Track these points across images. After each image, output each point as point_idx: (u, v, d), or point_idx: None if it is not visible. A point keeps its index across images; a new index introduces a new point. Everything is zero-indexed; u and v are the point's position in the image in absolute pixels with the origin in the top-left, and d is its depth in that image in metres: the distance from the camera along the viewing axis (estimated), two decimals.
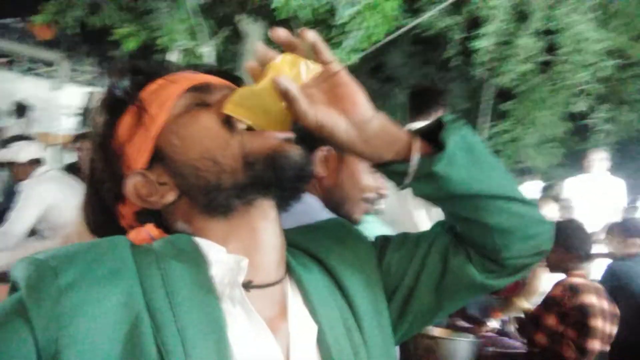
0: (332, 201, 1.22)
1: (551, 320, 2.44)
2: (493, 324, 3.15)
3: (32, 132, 6.44)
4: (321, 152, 1.22)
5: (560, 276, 2.64)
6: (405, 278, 0.78)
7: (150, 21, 5.12)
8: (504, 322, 3.27)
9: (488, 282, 0.76)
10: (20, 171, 3.24)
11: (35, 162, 3.25)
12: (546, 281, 2.93)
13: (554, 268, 2.71)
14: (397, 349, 0.86)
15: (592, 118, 6.17)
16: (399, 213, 2.60)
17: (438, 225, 0.82)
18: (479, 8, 5.16)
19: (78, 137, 3.73)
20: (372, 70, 7.31)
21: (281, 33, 0.65)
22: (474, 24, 5.43)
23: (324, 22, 4.61)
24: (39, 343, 0.52)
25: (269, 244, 0.68)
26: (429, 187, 0.69)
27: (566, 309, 2.40)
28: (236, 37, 5.41)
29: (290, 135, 0.67)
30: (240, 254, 0.64)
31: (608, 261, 3.52)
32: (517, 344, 2.91)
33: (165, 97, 0.69)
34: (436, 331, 2.21)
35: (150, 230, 0.67)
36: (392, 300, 0.78)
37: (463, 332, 2.50)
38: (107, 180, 0.70)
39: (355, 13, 4.41)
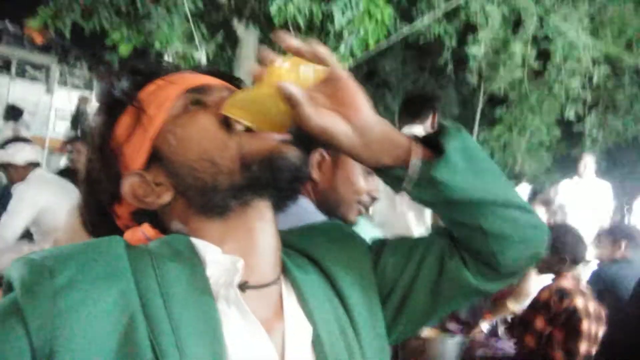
0: (327, 204, 1.24)
1: (540, 323, 2.46)
2: (483, 326, 3.18)
3: (24, 135, 6.40)
4: (316, 156, 1.24)
5: (549, 279, 2.67)
6: (401, 281, 0.77)
7: (144, 26, 5.12)
8: (494, 325, 3.30)
9: (483, 286, 0.76)
10: (16, 173, 3.21)
11: (31, 165, 3.23)
12: (535, 284, 2.95)
13: (543, 270, 2.73)
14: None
15: (583, 124, 6.22)
16: (389, 215, 2.63)
17: (435, 229, 0.82)
18: (472, 15, 5.20)
19: (71, 140, 3.71)
20: (367, 76, 7.34)
21: (284, 36, 0.65)
22: (467, 31, 5.46)
23: (320, 28, 4.64)
24: (33, 343, 0.51)
25: (265, 244, 0.68)
26: (428, 192, 0.69)
27: (554, 311, 2.42)
28: (231, 42, 5.42)
29: (288, 136, 0.68)
30: (236, 254, 0.64)
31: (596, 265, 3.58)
32: (508, 347, 2.94)
33: (163, 97, 0.69)
34: (425, 332, 2.22)
35: (146, 230, 0.67)
36: (387, 302, 0.78)
37: (453, 334, 2.53)
38: (104, 180, 0.70)
39: (350, 20, 4.44)
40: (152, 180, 0.68)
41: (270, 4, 4.17)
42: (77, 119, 8.00)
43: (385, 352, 0.75)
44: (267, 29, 4.85)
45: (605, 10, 5.27)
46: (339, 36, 4.59)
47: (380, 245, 0.82)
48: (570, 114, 5.78)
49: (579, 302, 2.43)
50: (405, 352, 2.07)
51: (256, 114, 0.65)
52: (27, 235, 3.11)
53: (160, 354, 0.54)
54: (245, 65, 4.99)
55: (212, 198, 0.65)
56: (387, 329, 0.77)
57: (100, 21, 5.06)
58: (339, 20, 4.38)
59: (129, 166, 0.69)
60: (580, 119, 6.08)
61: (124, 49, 5.25)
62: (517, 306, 3.05)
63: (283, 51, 0.67)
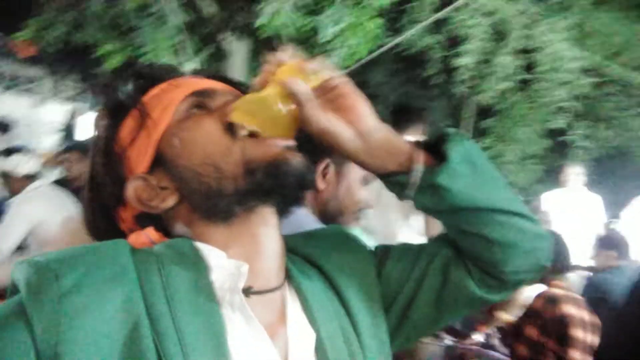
0: (328, 213, 1.25)
1: (531, 331, 2.45)
2: (478, 337, 3.18)
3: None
4: (321, 166, 1.25)
5: (540, 288, 2.68)
6: (405, 289, 0.77)
7: (134, 38, 5.12)
8: (488, 335, 3.30)
9: (487, 296, 0.76)
10: (16, 185, 3.21)
11: (30, 177, 3.22)
12: (526, 292, 2.96)
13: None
14: None
15: (570, 135, 6.28)
16: (380, 223, 2.64)
17: (439, 238, 0.82)
18: (459, 27, 5.25)
19: (65, 151, 3.72)
20: (356, 88, 7.35)
21: (279, 55, 0.66)
22: (454, 42, 5.51)
23: (308, 41, 4.66)
24: (38, 346, 0.51)
25: (269, 250, 0.68)
26: (431, 198, 0.69)
27: (546, 319, 2.42)
28: (220, 55, 5.43)
29: (292, 143, 0.68)
30: (241, 259, 0.64)
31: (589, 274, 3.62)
32: (502, 356, 2.94)
33: (168, 101, 0.69)
34: None
35: (150, 234, 0.67)
36: (390, 310, 0.77)
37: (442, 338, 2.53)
38: (108, 183, 0.69)
39: (338, 32, 4.47)
40: (157, 184, 0.67)
41: (257, 16, 4.19)
42: (69, 130, 8.01)
43: (387, 359, 0.75)
44: (257, 41, 4.88)
45: (591, 20, 5.34)
46: (328, 48, 4.62)
47: (384, 252, 0.81)
48: (558, 123, 5.82)
49: (572, 309, 2.43)
50: (395, 355, 2.07)
51: (261, 118, 0.65)
52: (24, 247, 3.10)
53: (164, 358, 0.54)
54: (236, 77, 5.00)
55: (216, 203, 0.65)
56: (390, 336, 0.77)
57: (90, 34, 5.05)
58: (327, 32, 4.41)
59: (133, 170, 0.69)
60: (567, 129, 6.14)
61: (114, 61, 5.24)
62: (508, 316, 3.05)
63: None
